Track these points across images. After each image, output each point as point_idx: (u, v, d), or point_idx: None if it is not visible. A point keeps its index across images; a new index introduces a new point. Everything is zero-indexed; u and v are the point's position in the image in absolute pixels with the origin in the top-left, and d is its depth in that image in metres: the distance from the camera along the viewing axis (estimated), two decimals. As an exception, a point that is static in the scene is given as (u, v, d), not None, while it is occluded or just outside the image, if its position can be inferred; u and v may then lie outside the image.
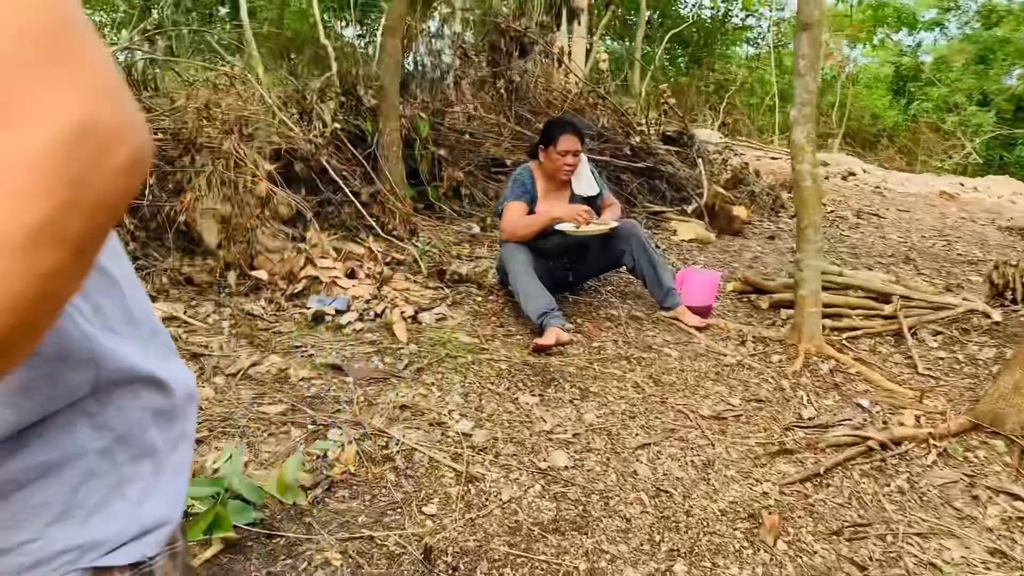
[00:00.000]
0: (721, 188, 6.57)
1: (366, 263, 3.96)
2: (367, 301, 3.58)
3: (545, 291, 3.54)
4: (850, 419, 2.98)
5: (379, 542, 2.05)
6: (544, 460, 2.53)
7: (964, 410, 3.09)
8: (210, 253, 3.68)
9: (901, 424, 2.96)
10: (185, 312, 3.30)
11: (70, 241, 0.44)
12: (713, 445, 2.73)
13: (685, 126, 7.72)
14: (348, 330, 3.37)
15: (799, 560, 2.14)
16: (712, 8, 21.05)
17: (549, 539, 2.13)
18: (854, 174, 11.02)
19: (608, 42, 20.00)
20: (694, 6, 20.96)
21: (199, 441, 2.43)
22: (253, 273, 3.65)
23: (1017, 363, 2.87)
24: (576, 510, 2.28)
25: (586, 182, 3.90)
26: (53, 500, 0.60)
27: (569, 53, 9.57)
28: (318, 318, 3.39)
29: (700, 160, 6.97)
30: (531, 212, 3.76)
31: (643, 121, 7.36)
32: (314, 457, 2.40)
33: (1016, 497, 2.52)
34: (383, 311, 3.50)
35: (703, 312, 3.91)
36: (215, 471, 2.23)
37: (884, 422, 2.99)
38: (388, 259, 4.15)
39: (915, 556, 2.19)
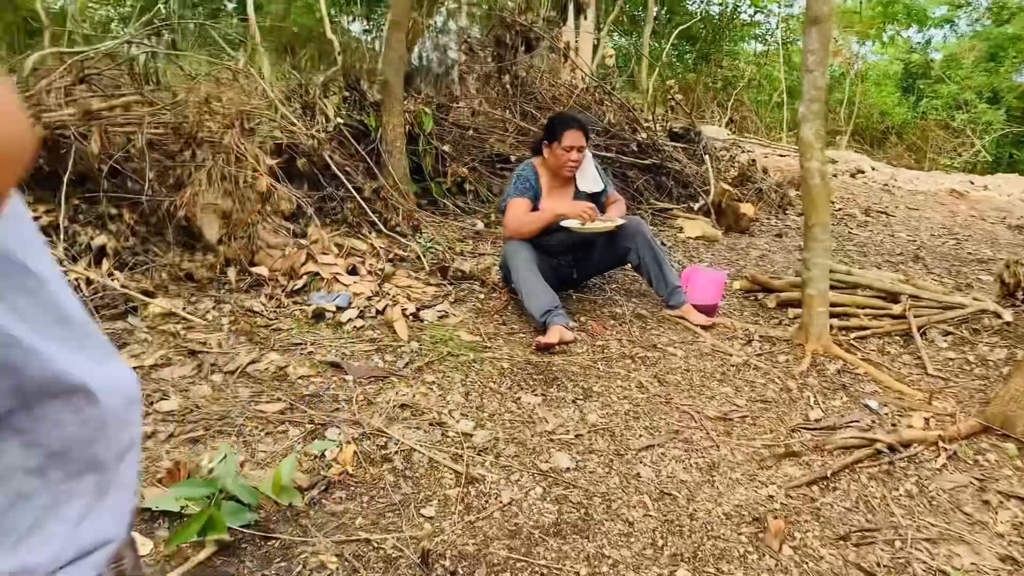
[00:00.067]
0: (728, 185, 6.51)
1: (368, 259, 3.91)
2: (368, 298, 3.54)
3: (548, 289, 3.49)
4: (858, 421, 2.93)
5: (376, 545, 2.01)
6: (546, 462, 2.48)
7: (974, 412, 3.03)
8: (210, 249, 3.64)
9: (910, 426, 2.91)
10: (184, 308, 3.27)
11: None
12: (718, 447, 2.68)
13: (692, 122, 7.66)
14: (348, 327, 3.33)
15: (805, 566, 2.09)
16: (720, 4, 20.96)
17: (550, 543, 2.09)
18: (862, 172, 10.93)
19: (615, 38, 19.92)
20: (702, 2, 20.88)
21: (195, 440, 2.39)
22: (253, 269, 3.61)
23: (1029, 365, 2.82)
24: (578, 513, 2.24)
25: (591, 178, 3.85)
26: None
27: (576, 48, 9.52)
28: (318, 315, 3.35)
29: (707, 157, 6.91)
30: (535, 209, 3.71)
31: (650, 117, 7.30)
32: (311, 457, 2.36)
33: (1028, 502, 2.46)
34: (384, 308, 3.46)
35: (709, 311, 3.86)
36: (210, 471, 2.19)
37: (893, 424, 2.94)
38: (390, 255, 4.11)
39: (924, 562, 2.14)
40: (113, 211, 3.62)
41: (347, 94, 5.13)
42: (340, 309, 3.40)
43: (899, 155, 18.83)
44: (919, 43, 25.10)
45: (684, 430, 2.77)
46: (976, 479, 2.59)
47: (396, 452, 2.44)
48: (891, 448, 2.71)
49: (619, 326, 3.72)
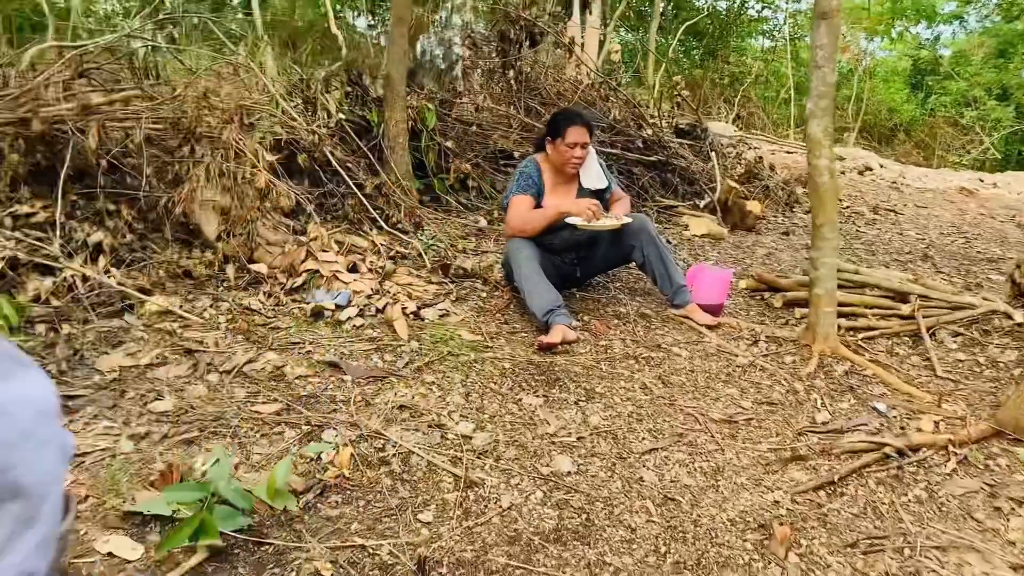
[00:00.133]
0: (735, 182, 6.44)
1: (368, 256, 3.86)
2: (368, 296, 3.49)
3: (551, 288, 3.44)
4: (866, 424, 2.87)
5: (371, 551, 1.96)
6: (547, 465, 2.43)
7: (985, 415, 2.97)
8: (209, 245, 3.60)
9: (919, 430, 2.85)
10: (181, 306, 3.22)
11: None
12: (723, 450, 2.62)
13: (698, 119, 7.59)
14: (348, 326, 3.28)
15: (812, 574, 2.04)
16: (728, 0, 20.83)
17: (550, 549, 2.04)
18: (870, 169, 10.84)
19: (622, 33, 19.83)
20: (709, -3, 20.76)
21: (188, 442, 2.35)
22: (252, 267, 3.56)
23: (1042, 368, 2.76)
24: (579, 519, 2.19)
25: (595, 175, 3.79)
26: None
27: (582, 44, 9.45)
28: (317, 313, 3.30)
29: (713, 154, 6.84)
30: (538, 206, 3.66)
31: (655, 114, 7.23)
32: (307, 460, 2.32)
33: (1041, 509, 2.41)
34: (384, 306, 3.41)
35: (714, 310, 3.80)
36: (204, 474, 2.15)
37: (901, 427, 2.88)
38: (391, 253, 4.05)
39: (934, 571, 2.09)
40: (111, 207, 3.58)
41: (349, 89, 5.08)
42: (339, 307, 3.36)
43: (907, 152, 18.69)
44: (928, 39, 24.91)
45: (688, 433, 2.72)
46: (987, 485, 2.53)
47: (394, 455, 2.39)
48: (900, 452, 2.65)
49: (623, 325, 3.67)
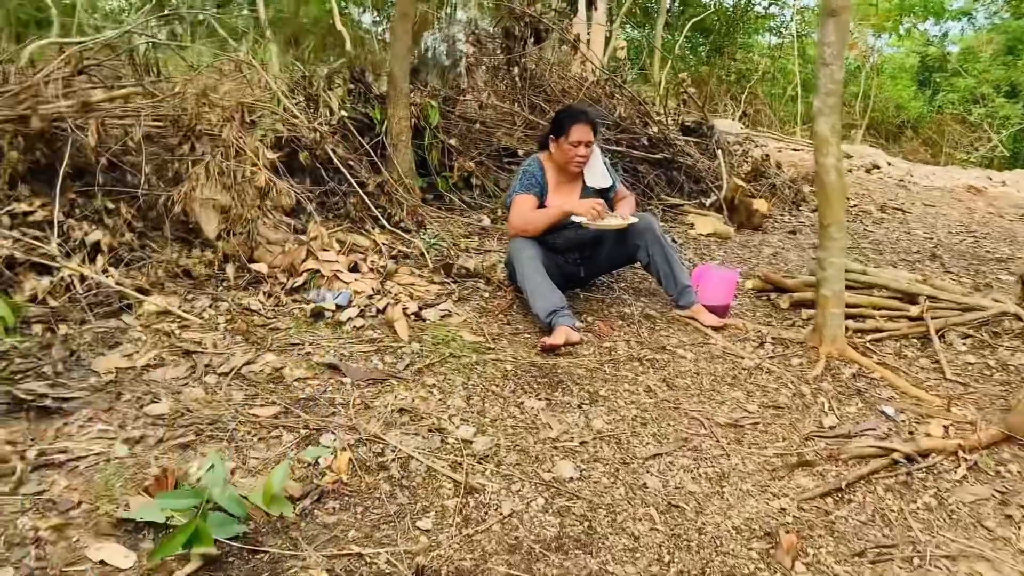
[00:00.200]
0: (741, 180, 6.38)
1: (370, 256, 3.82)
2: (369, 296, 3.45)
3: (555, 288, 3.39)
4: (874, 428, 2.82)
5: (368, 560, 1.92)
6: (549, 471, 2.39)
7: (995, 420, 2.92)
8: (209, 245, 3.56)
9: (928, 434, 2.80)
10: (180, 306, 3.18)
11: None
12: (728, 456, 2.58)
13: (705, 116, 7.52)
14: (348, 327, 3.24)
15: (819, 586, 2.00)
16: (734, -4, 20.72)
17: (551, 558, 2.00)
18: (878, 167, 10.76)
19: (628, 30, 19.74)
20: (716, -6, 20.64)
21: (184, 446, 2.31)
22: (253, 266, 3.52)
23: (1055, 373, 2.71)
24: (581, 526, 2.14)
25: (599, 174, 3.74)
26: None
27: (588, 41, 9.39)
28: (318, 314, 3.26)
29: (720, 151, 6.78)
30: (541, 205, 3.61)
31: (661, 111, 7.17)
32: (304, 465, 2.28)
33: (1053, 518, 2.35)
34: (385, 307, 3.37)
35: (720, 311, 3.75)
36: (199, 480, 2.11)
37: (910, 432, 2.83)
38: (393, 252, 4.01)
39: (944, 582, 2.04)
40: (110, 205, 3.54)
41: (352, 86, 5.04)
42: (340, 308, 3.31)
43: (914, 149, 18.58)
44: (936, 36, 24.74)
45: (693, 437, 2.67)
46: (998, 492, 2.48)
47: (393, 460, 2.35)
48: (908, 458, 2.60)
49: (627, 327, 3.62)
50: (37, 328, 2.88)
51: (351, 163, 4.42)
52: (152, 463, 2.22)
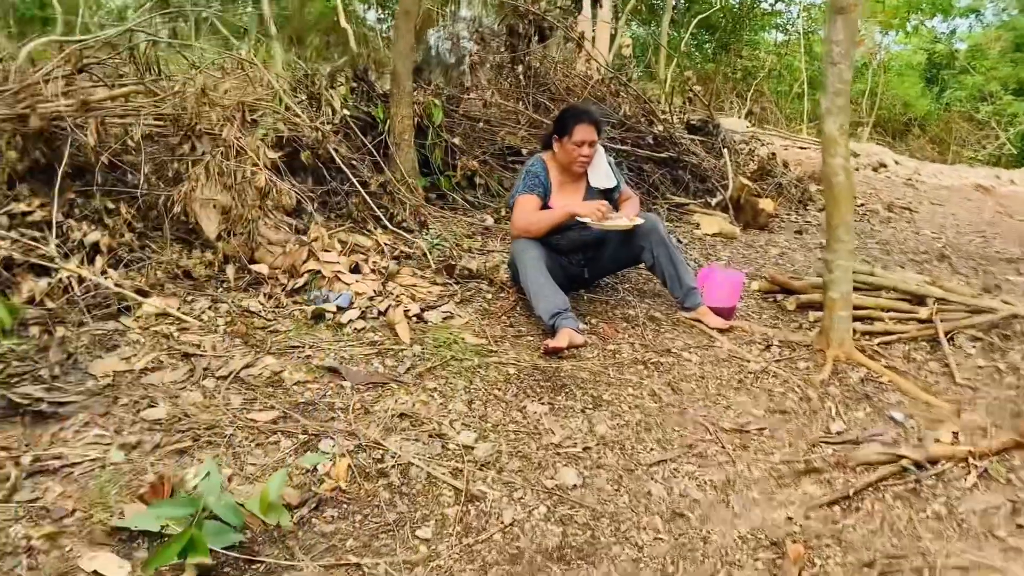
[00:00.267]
0: (747, 180, 6.32)
1: (372, 256, 3.78)
2: (371, 298, 3.41)
3: (558, 290, 3.35)
4: (882, 434, 2.77)
5: (367, 570, 1.89)
6: (551, 478, 2.35)
7: (1006, 425, 2.87)
8: (209, 245, 3.52)
9: (937, 440, 2.75)
10: (179, 308, 3.15)
11: None
12: (734, 462, 2.53)
13: (710, 114, 7.46)
14: (349, 329, 3.20)
15: (827, 598, 1.95)
16: (741, -8, 20.60)
17: (553, 569, 1.96)
18: (885, 165, 10.68)
19: (633, 27, 19.66)
20: (722, -10, 20.52)
21: (181, 452, 2.28)
22: (253, 267, 3.48)
23: (1067, 378, 2.65)
24: (584, 535, 2.10)
25: (603, 174, 3.69)
26: None
27: (593, 38, 9.34)
28: (318, 316, 3.22)
29: (726, 150, 6.72)
30: (545, 206, 3.56)
31: (667, 109, 7.11)
32: (303, 471, 2.24)
33: (1066, 528, 2.30)
34: (387, 309, 3.33)
35: (726, 314, 3.70)
36: (195, 487, 2.08)
37: (919, 438, 2.78)
38: (395, 252, 3.97)
39: (955, 594, 2.00)
40: (110, 205, 3.51)
41: (355, 85, 4.99)
42: (341, 309, 3.27)
43: (922, 147, 18.49)
44: (943, 33, 24.62)
45: (698, 443, 2.63)
46: (1009, 500, 2.43)
47: (392, 466, 2.31)
48: (918, 465, 2.56)
49: (631, 329, 3.57)
50: (34, 330, 2.85)
51: (353, 162, 4.39)
52: (148, 469, 2.18)
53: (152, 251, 3.46)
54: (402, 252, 4.05)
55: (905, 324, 3.75)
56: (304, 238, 3.66)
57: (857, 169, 10.02)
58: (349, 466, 2.26)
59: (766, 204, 6.06)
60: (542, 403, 2.79)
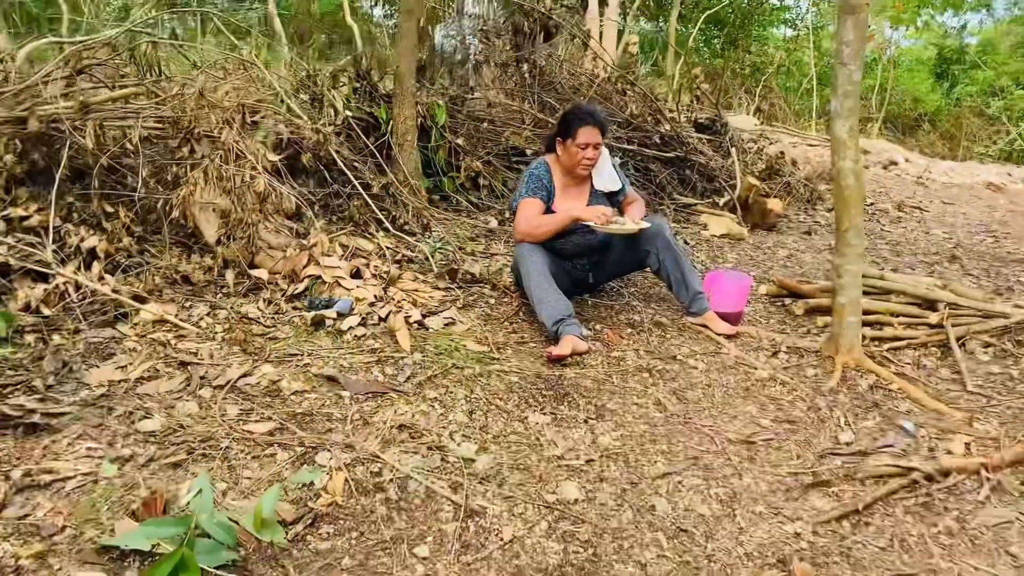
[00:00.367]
0: (755, 179, 6.24)
1: (373, 261, 3.73)
2: (371, 304, 3.36)
3: (561, 296, 3.29)
4: (892, 445, 2.71)
5: (362, 591, 1.84)
6: (552, 492, 2.29)
7: (1020, 436, 2.80)
8: (208, 249, 3.48)
9: (949, 452, 2.69)
10: (177, 315, 3.10)
11: None
12: (740, 475, 2.48)
13: (718, 113, 7.38)
14: (349, 336, 3.15)
15: (835, 620, 1.90)
16: (750, -12, 20.43)
17: (553, 589, 1.91)
18: (895, 163, 10.57)
19: (641, 23, 19.54)
20: (731, -14, 20.37)
21: (175, 465, 2.23)
22: (253, 272, 3.44)
23: (1083, 389, 2.58)
24: (585, 553, 2.05)
25: (607, 177, 3.63)
26: None
27: (600, 35, 9.26)
28: (318, 322, 3.17)
29: (733, 149, 6.65)
30: (548, 209, 3.51)
31: (674, 108, 7.04)
32: (299, 485, 2.19)
33: (1083, 545, 2.24)
34: (387, 315, 3.28)
35: (733, 319, 3.64)
36: (189, 504, 2.03)
37: (930, 448, 2.72)
38: (397, 256, 3.92)
39: (967, 616, 1.94)
40: (109, 209, 3.47)
41: (358, 85, 4.94)
42: (341, 316, 3.23)
43: (932, 143, 18.32)
44: (954, 28, 24.40)
45: (704, 455, 2.57)
46: (1023, 514, 2.37)
47: (390, 480, 2.26)
48: (929, 478, 2.49)
49: (636, 335, 3.52)
50: (30, 338, 2.81)
51: (355, 164, 4.33)
52: (141, 484, 2.14)
53: (151, 255, 3.42)
54: (404, 256, 4.00)
55: (915, 329, 3.68)
56: (304, 242, 3.61)
57: (867, 167, 9.93)
58: (346, 480, 2.22)
59: (774, 204, 5.99)
60: (544, 413, 2.74)
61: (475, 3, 6.85)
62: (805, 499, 2.39)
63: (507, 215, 4.97)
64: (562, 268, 3.58)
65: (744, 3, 20.08)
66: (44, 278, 3.07)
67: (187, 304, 3.25)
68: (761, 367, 3.27)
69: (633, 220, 3.50)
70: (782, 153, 7.55)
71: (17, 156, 3.40)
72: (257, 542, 1.95)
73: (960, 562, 2.14)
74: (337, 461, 2.30)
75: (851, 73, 3.16)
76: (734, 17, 20.02)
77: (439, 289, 3.69)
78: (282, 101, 4.24)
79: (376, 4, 16.65)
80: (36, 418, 2.35)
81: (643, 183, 5.93)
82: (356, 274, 3.58)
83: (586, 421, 2.72)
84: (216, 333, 3.05)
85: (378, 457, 2.35)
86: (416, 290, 3.58)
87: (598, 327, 3.56)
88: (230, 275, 3.41)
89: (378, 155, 4.57)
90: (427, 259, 3.94)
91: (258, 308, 3.27)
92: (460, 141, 5.17)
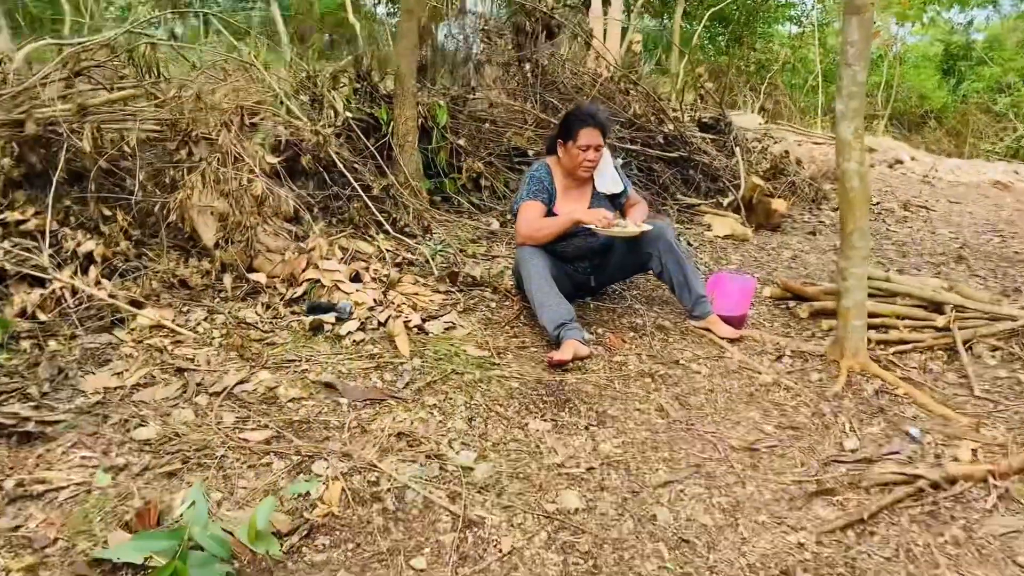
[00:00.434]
0: (760, 179, 6.19)
1: (373, 264, 3.70)
2: (371, 308, 3.33)
3: (563, 300, 3.26)
4: (898, 452, 2.67)
5: (357, 605, 1.81)
6: (552, 501, 2.26)
7: (1027, 442, 2.76)
8: (207, 253, 3.45)
9: (955, 459, 2.64)
10: (174, 319, 3.08)
11: None
12: (743, 483, 2.44)
13: (723, 112, 7.33)
14: (348, 341, 3.12)
15: (839, 634, 1.86)
16: (755, -16, 20.34)
17: (551, 603, 1.88)
18: (901, 162, 10.50)
19: (646, 19, 19.47)
20: (736, -18, 20.27)
21: (170, 475, 2.21)
22: (251, 276, 3.41)
23: (1093, 396, 2.54)
24: (585, 565, 2.02)
25: (609, 179, 3.59)
26: None
27: (604, 34, 9.21)
28: (317, 327, 3.14)
29: (738, 149, 6.60)
30: (550, 212, 3.47)
31: (677, 107, 6.99)
32: (295, 495, 2.16)
33: (1092, 556, 2.20)
34: (387, 319, 3.25)
35: (736, 322, 3.60)
36: (181, 515, 2.01)
37: (936, 455, 2.68)
38: (398, 259, 3.89)
39: (975, 629, 1.90)
40: (107, 212, 3.44)
41: (358, 85, 4.91)
42: (340, 320, 3.19)
43: (938, 139, 18.23)
44: (960, 24, 24.26)
45: (706, 463, 2.54)
46: (1031, 523, 2.33)
47: (388, 490, 2.23)
48: (935, 485, 2.45)
49: (639, 339, 3.48)
50: (26, 344, 2.79)
51: (356, 166, 4.30)
52: (135, 493, 2.11)
53: (149, 259, 3.39)
54: (404, 258, 3.97)
55: (921, 332, 3.64)
56: (303, 245, 3.58)
57: (872, 166, 9.86)
58: (343, 490, 2.19)
59: (779, 204, 5.94)
60: (545, 420, 2.71)
61: (477, 1, 6.81)
62: (809, 508, 2.35)
63: (509, 216, 4.93)
64: (564, 271, 3.55)
65: (749, 0, 20.01)
66: (41, 283, 3.05)
67: (184, 309, 3.22)
68: (765, 371, 3.23)
69: (635, 222, 3.46)
70: (787, 152, 7.49)
71: (14, 159, 3.38)
72: (252, 554, 1.92)
73: (967, 572, 2.10)
74: (334, 470, 2.27)
75: (856, 74, 3.12)
76: (739, 14, 19.95)
77: (439, 292, 3.66)
78: (281, 103, 4.21)
79: (379, 2, 16.61)
80: (30, 426, 2.32)
81: (646, 183, 5.89)
82: (356, 277, 3.55)
83: (587, 428, 2.68)
84: (213, 338, 3.02)
85: (375, 466, 2.32)
86: (416, 293, 3.54)
87: (600, 331, 3.52)
88: (228, 279, 3.38)
89: (379, 156, 4.54)
90: (428, 262, 3.91)
91: (256, 312, 3.24)
92: (462, 142, 5.13)
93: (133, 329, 2.97)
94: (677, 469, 2.49)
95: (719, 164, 6.35)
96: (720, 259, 4.94)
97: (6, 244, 3.10)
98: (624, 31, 11.11)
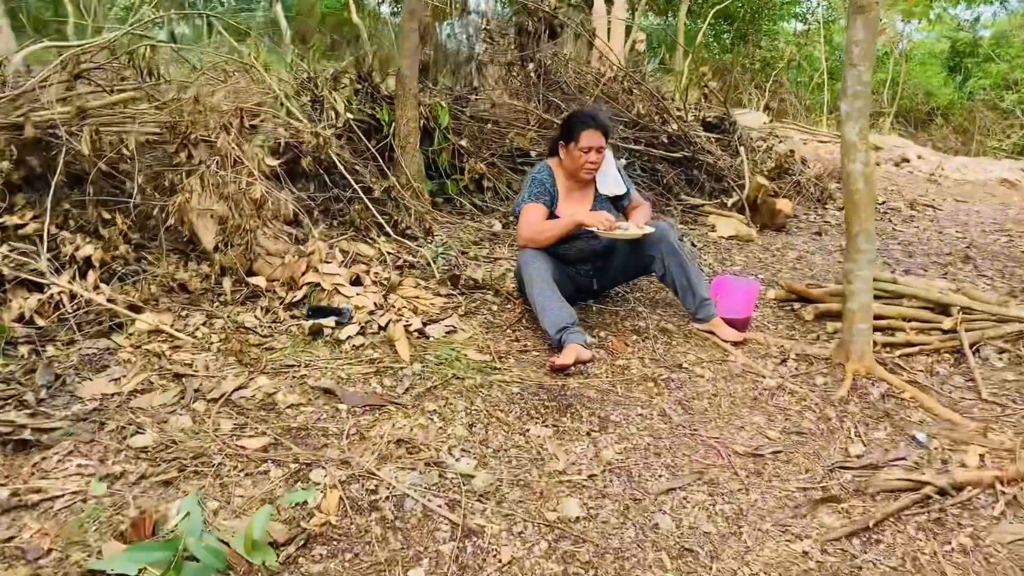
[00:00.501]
0: (764, 179, 6.15)
1: (374, 267, 3.67)
2: (371, 312, 3.30)
3: (565, 303, 3.22)
4: (904, 457, 2.63)
5: (354, 617, 1.78)
6: (553, 509, 2.23)
7: (1036, 447, 2.71)
8: (206, 256, 3.43)
9: (962, 465, 2.61)
10: (173, 324, 3.06)
11: None
12: (747, 490, 2.41)
13: (727, 111, 7.29)
14: (347, 346, 3.09)
15: (844, 647, 1.83)
16: (760, -18, 20.24)
17: (551, 614, 1.85)
18: (907, 160, 10.44)
19: (650, 17, 19.40)
20: (741, -20, 20.17)
21: (166, 483, 2.18)
22: (251, 279, 3.39)
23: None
24: (586, 575, 1.98)
25: (612, 181, 3.56)
26: None
27: (608, 33, 9.17)
28: (316, 331, 3.12)
29: (742, 148, 6.55)
30: (551, 214, 3.44)
31: (682, 106, 6.95)
32: (292, 504, 2.13)
33: (1102, 565, 2.16)
34: (387, 323, 3.22)
35: (740, 325, 3.56)
36: (177, 525, 1.98)
37: (943, 460, 2.64)
38: (399, 262, 3.86)
39: (982, 641, 1.87)
40: (106, 216, 3.42)
41: (359, 86, 4.88)
42: (340, 324, 3.17)
43: (944, 137, 18.13)
44: (967, 20, 24.13)
45: (710, 469, 2.50)
46: (1039, 531, 2.29)
47: (386, 498, 2.20)
48: (942, 492, 2.42)
49: (642, 342, 3.45)
50: (23, 350, 2.77)
51: (356, 167, 4.27)
52: (131, 502, 2.09)
53: (148, 263, 3.37)
54: (405, 261, 3.94)
55: (928, 335, 3.60)
56: (303, 248, 3.56)
57: (878, 164, 9.81)
58: (340, 498, 2.16)
59: (784, 204, 5.89)
60: (546, 425, 2.68)
61: (480, 1, 6.77)
62: (814, 515, 2.32)
63: (511, 218, 4.90)
64: (566, 274, 3.52)
65: (754, -3, 19.91)
66: (39, 288, 3.03)
67: (183, 313, 3.20)
68: (769, 375, 3.20)
69: (637, 225, 3.43)
70: (792, 151, 7.45)
71: (13, 162, 3.36)
72: (248, 565, 1.90)
73: (974, 582, 2.07)
74: (332, 478, 2.25)
75: (860, 74, 3.08)
76: (744, 11, 19.85)
77: (441, 296, 3.63)
78: (282, 104, 4.18)
79: (383, 1, 16.57)
80: (26, 434, 2.30)
81: (650, 184, 5.86)
82: (356, 281, 3.52)
83: (588, 433, 2.65)
84: (212, 343, 3.00)
85: (374, 474, 2.29)
86: (417, 297, 3.52)
87: (602, 334, 3.49)
88: (227, 283, 3.36)
89: (380, 158, 4.51)
90: (429, 264, 3.88)
91: (255, 317, 3.22)
92: (464, 142, 5.10)
93: (131, 334, 2.95)
94: (680, 476, 2.46)
95: (723, 164, 6.31)
96: (724, 260, 4.90)
97: (4, 248, 3.08)
98: (628, 30, 11.05)
